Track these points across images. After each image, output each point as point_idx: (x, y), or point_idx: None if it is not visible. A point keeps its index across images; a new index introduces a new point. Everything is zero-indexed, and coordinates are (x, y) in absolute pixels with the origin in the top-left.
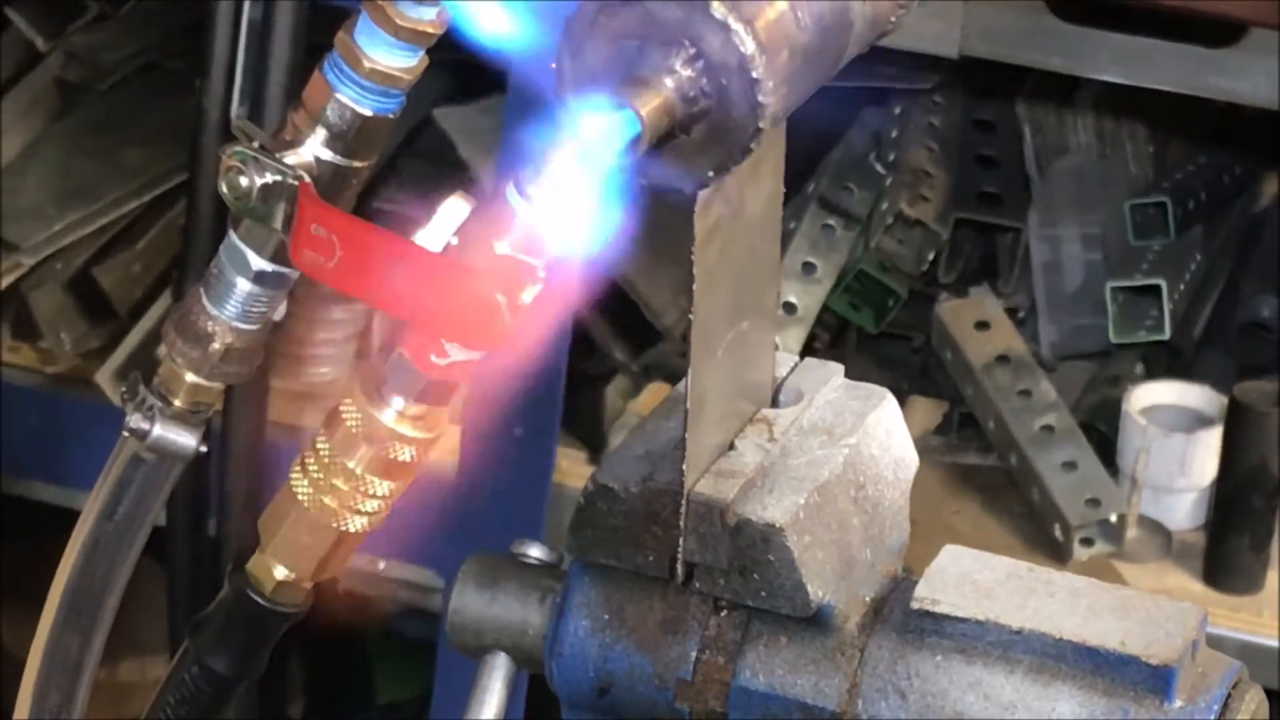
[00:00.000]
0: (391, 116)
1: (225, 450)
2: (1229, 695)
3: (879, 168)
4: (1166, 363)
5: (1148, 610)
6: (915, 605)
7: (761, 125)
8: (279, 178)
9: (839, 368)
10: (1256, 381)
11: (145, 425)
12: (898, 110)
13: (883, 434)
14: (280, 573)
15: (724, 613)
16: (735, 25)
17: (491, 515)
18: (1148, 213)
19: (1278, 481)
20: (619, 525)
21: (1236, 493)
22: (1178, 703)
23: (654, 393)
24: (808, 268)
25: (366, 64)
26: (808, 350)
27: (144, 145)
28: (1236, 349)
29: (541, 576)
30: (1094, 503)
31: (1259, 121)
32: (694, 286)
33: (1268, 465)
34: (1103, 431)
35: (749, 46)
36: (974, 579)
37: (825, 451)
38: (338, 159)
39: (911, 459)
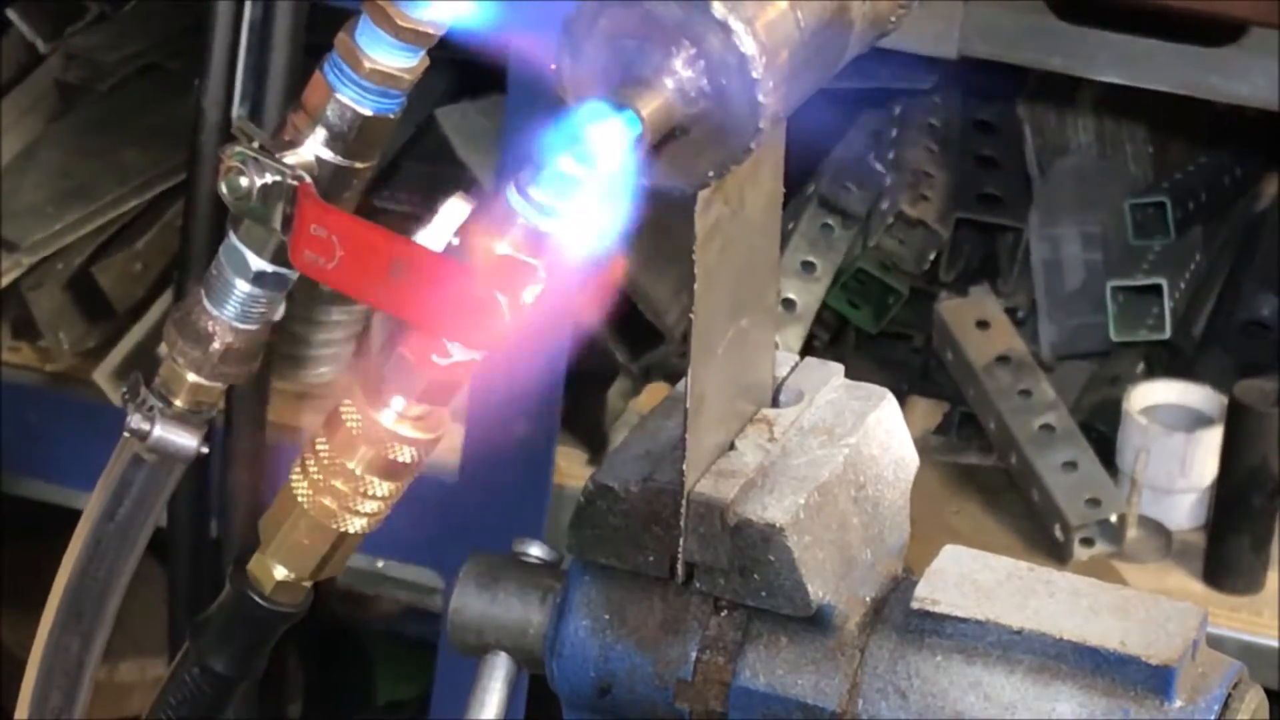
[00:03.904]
0: (392, 117)
1: (226, 451)
2: (1229, 695)
3: (878, 167)
4: (1167, 362)
5: (1148, 610)
6: (915, 605)
7: (761, 125)
8: (279, 178)
9: (839, 367)
10: (1257, 381)
11: (146, 426)
12: (897, 110)
13: (883, 434)
14: (280, 573)
15: (724, 613)
16: (735, 25)
17: (492, 515)
18: (1148, 212)
19: (1278, 481)
20: (619, 525)
21: (1236, 493)
22: (1178, 703)
23: (654, 393)
24: (807, 266)
25: (367, 64)
26: (807, 349)
27: (144, 145)
28: (1237, 348)
29: (542, 576)
30: (1094, 503)
31: (1259, 121)
32: (695, 286)
33: (1268, 465)
34: (1103, 431)
35: (749, 46)
36: (974, 579)
37: (825, 451)
38: (338, 159)
39: (911, 459)
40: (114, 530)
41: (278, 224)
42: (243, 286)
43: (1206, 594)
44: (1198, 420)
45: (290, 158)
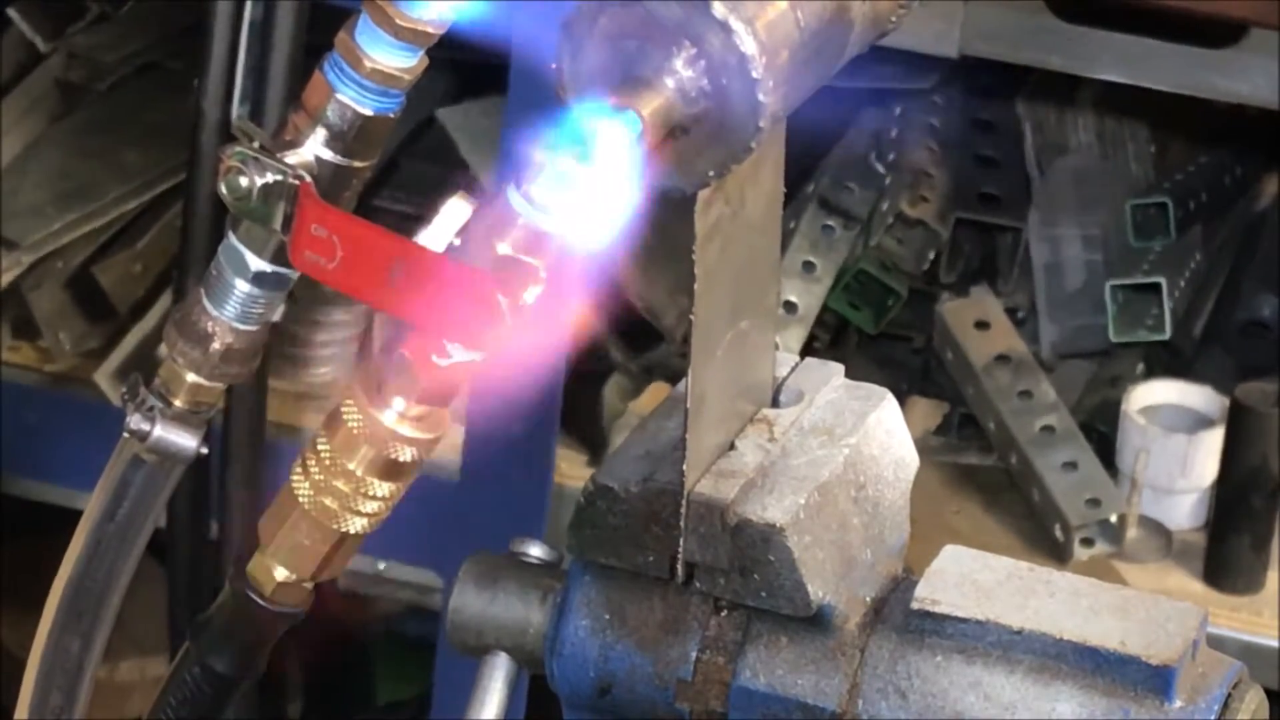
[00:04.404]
0: (392, 116)
1: (226, 451)
2: (1229, 695)
3: (879, 168)
4: (1167, 362)
5: (1148, 610)
6: (915, 605)
7: (762, 125)
8: (279, 178)
9: (839, 368)
10: (1257, 382)
11: (146, 426)
12: (897, 110)
13: (883, 434)
14: (280, 574)
15: (724, 613)
16: (736, 25)
17: (491, 515)
18: (1148, 213)
19: (1278, 481)
20: (619, 525)
21: (1237, 493)
22: (1178, 703)
23: (654, 393)
24: (808, 267)
25: (367, 64)
26: (808, 350)
27: (144, 145)
28: (1237, 349)
29: (542, 576)
30: (1094, 503)
31: (1259, 121)
32: (694, 286)
33: (1268, 465)
34: (1103, 431)
35: (749, 46)
36: (974, 579)
37: (825, 451)
38: (338, 159)
39: (911, 459)
40: (114, 530)
41: (278, 224)
42: (243, 287)
43: (1206, 594)
44: (1198, 421)
45: (290, 157)
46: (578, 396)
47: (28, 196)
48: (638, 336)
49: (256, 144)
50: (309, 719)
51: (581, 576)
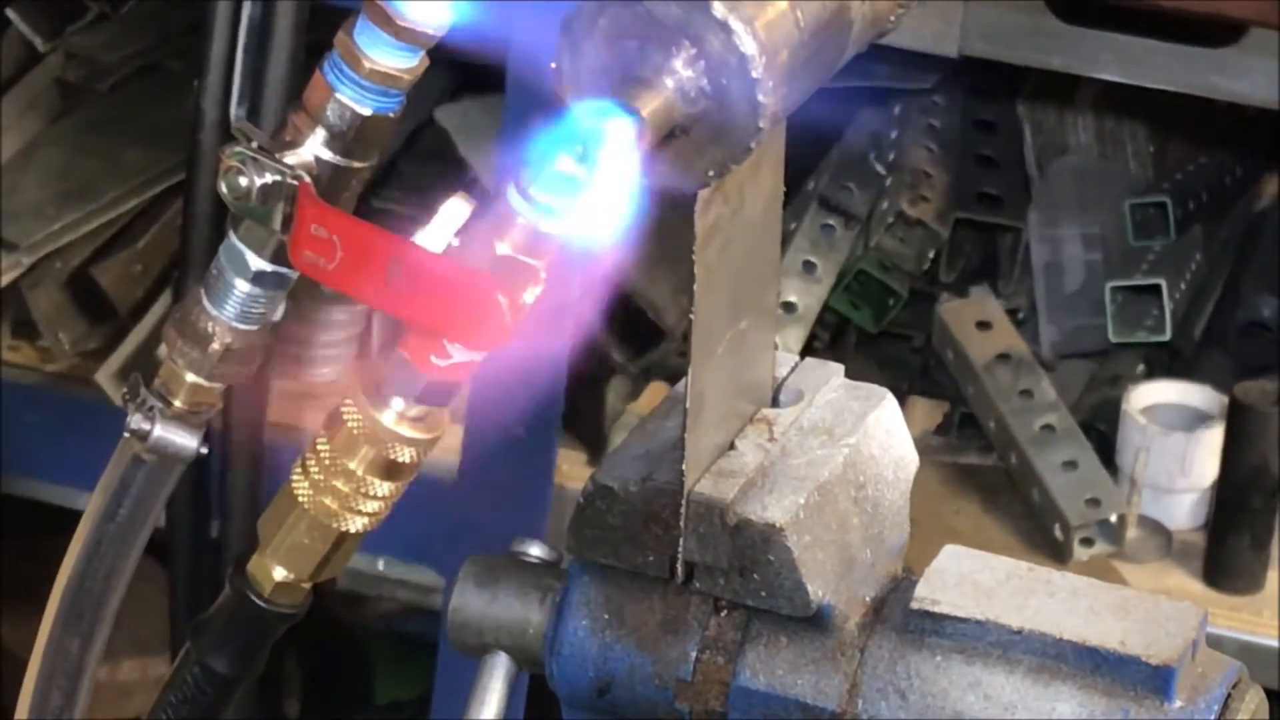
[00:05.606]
0: (392, 116)
1: (226, 451)
2: (1229, 695)
3: (879, 168)
4: (1167, 362)
5: (1148, 610)
6: (915, 605)
7: (761, 125)
8: (279, 178)
9: (839, 367)
10: (1257, 381)
11: (146, 426)
12: (897, 110)
13: (883, 434)
14: (280, 574)
15: (724, 613)
16: (735, 25)
17: (491, 515)
18: (1148, 213)
19: (1278, 481)
20: (619, 525)
21: (1237, 493)
22: (1178, 703)
23: (654, 393)
24: (808, 267)
25: (367, 64)
26: (808, 350)
27: (144, 145)
28: (1236, 349)
29: (542, 576)
30: (1094, 503)
31: (1259, 121)
32: (694, 286)
33: (1268, 465)
34: (1103, 431)
35: (749, 46)
36: (974, 579)
37: (825, 451)
38: (338, 159)
39: (911, 459)
40: (114, 530)
41: (278, 224)
42: (242, 286)
43: (1206, 594)
44: (1198, 420)
45: (290, 157)
46: (578, 397)
47: (28, 196)
48: (638, 337)
49: (256, 144)
50: (308, 718)
51: (581, 576)
